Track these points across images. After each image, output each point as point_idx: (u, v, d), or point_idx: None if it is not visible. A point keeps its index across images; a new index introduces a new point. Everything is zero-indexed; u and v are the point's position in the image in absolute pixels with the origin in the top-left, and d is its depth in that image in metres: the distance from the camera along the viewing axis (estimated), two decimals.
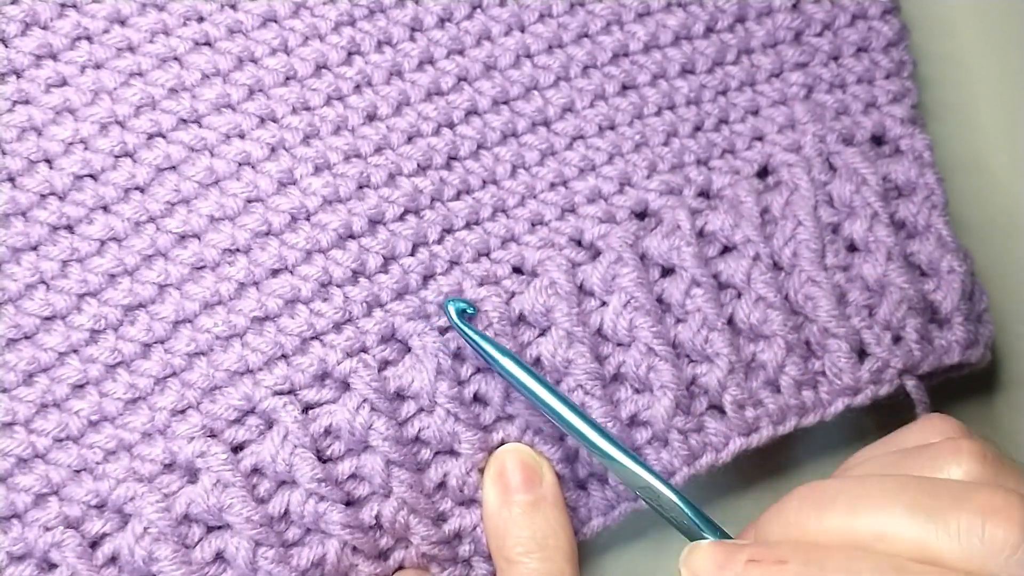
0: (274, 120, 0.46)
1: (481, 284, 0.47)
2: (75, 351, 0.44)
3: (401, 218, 0.46)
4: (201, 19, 0.46)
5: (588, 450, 0.43)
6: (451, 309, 0.44)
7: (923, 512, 0.37)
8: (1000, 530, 0.36)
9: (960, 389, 0.54)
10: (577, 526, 0.47)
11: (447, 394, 0.45)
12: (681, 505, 0.42)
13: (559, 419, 0.43)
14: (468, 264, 0.47)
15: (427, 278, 0.46)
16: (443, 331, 0.46)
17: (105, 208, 0.44)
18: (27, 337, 0.43)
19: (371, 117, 0.47)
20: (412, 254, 0.46)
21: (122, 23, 0.45)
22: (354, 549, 0.44)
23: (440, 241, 0.47)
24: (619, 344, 0.47)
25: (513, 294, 0.47)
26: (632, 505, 0.47)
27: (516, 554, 0.44)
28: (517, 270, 0.47)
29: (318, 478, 0.43)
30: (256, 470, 0.44)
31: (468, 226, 0.47)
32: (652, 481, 0.43)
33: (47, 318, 0.43)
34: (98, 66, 0.45)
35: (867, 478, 0.41)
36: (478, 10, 0.48)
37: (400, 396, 0.45)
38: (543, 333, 0.46)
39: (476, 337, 0.44)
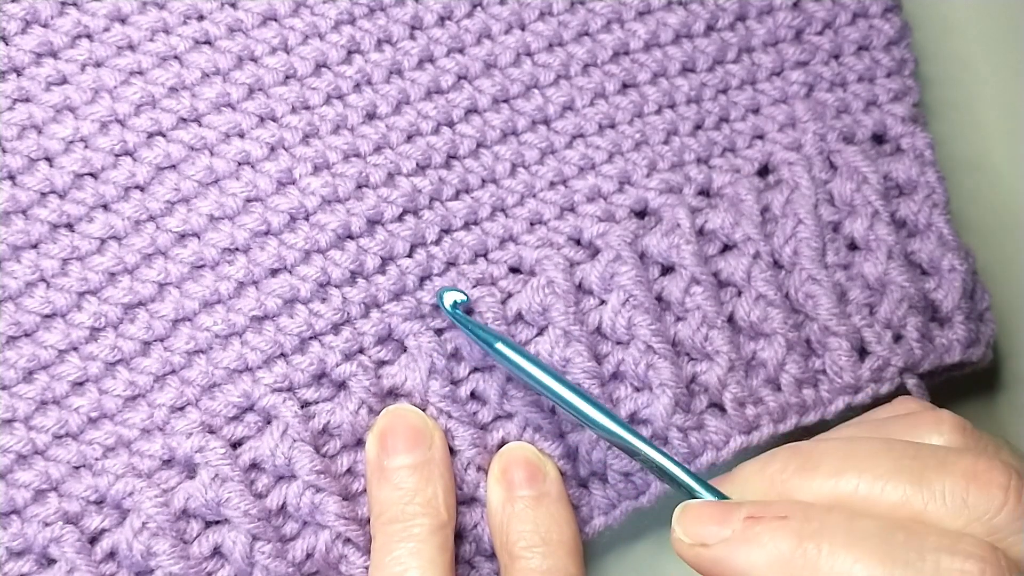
0: (274, 119, 0.46)
1: (477, 285, 0.47)
2: (75, 348, 0.44)
3: (399, 219, 0.46)
4: (201, 17, 0.46)
5: (585, 425, 0.43)
6: (444, 298, 0.45)
7: (908, 474, 0.37)
8: (983, 494, 0.36)
9: (962, 388, 0.54)
10: (579, 525, 0.47)
11: (438, 392, 0.45)
12: (674, 470, 0.41)
13: (554, 396, 0.43)
14: (465, 266, 0.47)
15: (424, 279, 0.46)
16: (439, 332, 0.46)
17: (105, 206, 0.44)
18: (27, 334, 0.44)
19: (371, 116, 0.47)
20: (410, 255, 0.46)
21: (122, 21, 0.45)
22: (346, 540, 0.44)
23: (438, 242, 0.47)
24: (618, 342, 0.47)
25: (510, 294, 0.47)
26: (634, 504, 0.47)
27: (519, 549, 0.44)
28: (515, 270, 0.47)
29: (317, 470, 0.43)
30: (254, 465, 0.44)
31: (466, 226, 0.47)
32: (646, 448, 0.41)
33: (47, 316, 0.44)
34: (98, 64, 0.45)
35: (852, 440, 0.41)
36: (478, 8, 0.48)
37: (393, 395, 0.45)
38: (541, 332, 0.46)
39: (465, 322, 0.44)
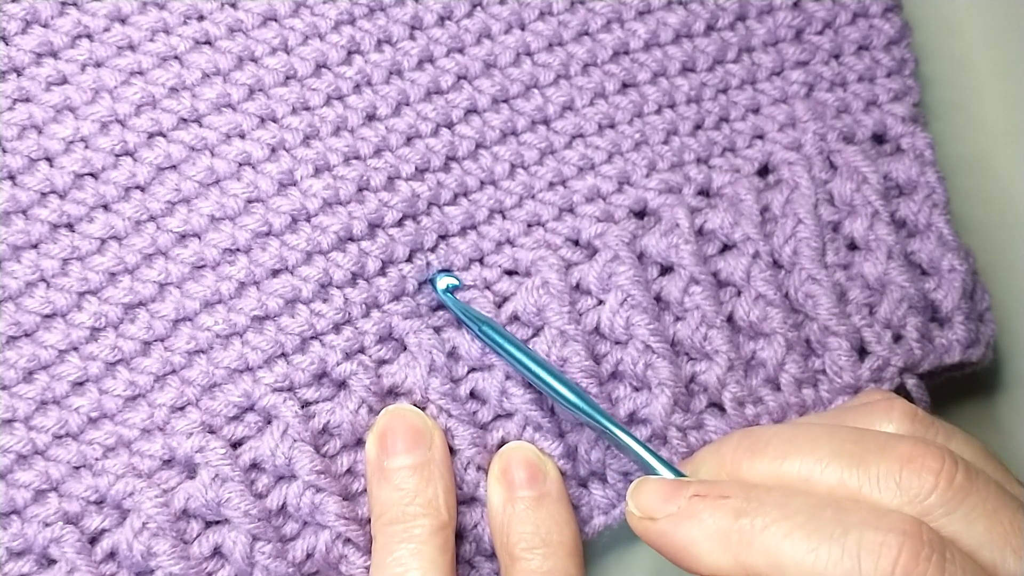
0: (274, 120, 0.46)
1: (472, 288, 0.47)
2: (75, 348, 0.44)
3: (399, 223, 0.46)
4: (201, 18, 0.46)
5: (566, 407, 0.44)
6: (438, 281, 0.46)
7: (847, 457, 0.40)
8: (915, 477, 0.39)
9: (962, 388, 0.54)
10: (579, 525, 0.47)
11: (439, 390, 0.45)
12: (637, 448, 0.43)
13: (537, 379, 0.44)
14: (460, 272, 0.47)
15: (423, 283, 0.47)
16: (438, 330, 0.46)
17: (106, 207, 0.44)
18: (27, 334, 0.44)
19: (370, 117, 0.47)
20: (409, 260, 0.46)
21: (123, 21, 0.45)
22: (346, 540, 0.44)
23: (434, 249, 0.47)
24: (617, 342, 0.47)
25: (506, 298, 0.47)
26: None
27: (519, 550, 0.44)
28: (511, 272, 0.47)
29: (317, 470, 0.43)
30: (255, 465, 0.44)
31: (463, 232, 0.47)
32: (613, 428, 0.44)
33: (47, 316, 0.44)
34: (99, 64, 0.45)
35: (799, 424, 0.45)
36: (478, 8, 0.48)
37: (393, 394, 0.45)
38: (537, 333, 0.47)
39: (455, 304, 0.46)
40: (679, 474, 0.43)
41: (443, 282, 0.46)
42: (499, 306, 0.47)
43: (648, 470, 0.43)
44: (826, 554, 0.37)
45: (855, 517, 0.38)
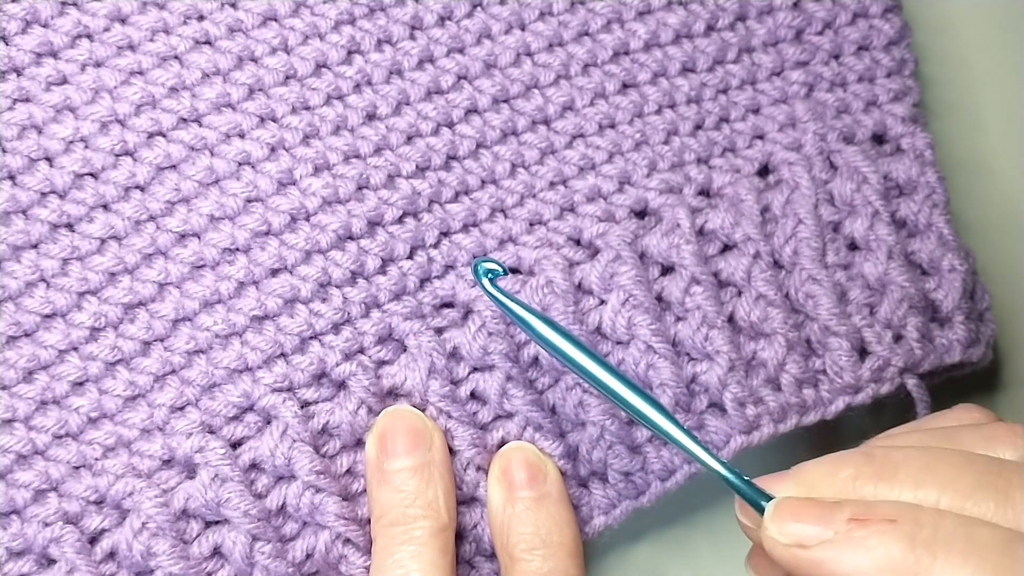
0: (274, 120, 0.46)
1: (474, 286, 0.47)
2: (75, 348, 0.44)
3: (399, 220, 0.46)
4: (201, 17, 0.46)
5: (620, 407, 0.41)
6: (479, 269, 0.43)
7: (993, 491, 0.35)
8: None
9: (962, 388, 0.54)
10: (579, 525, 0.47)
11: (438, 392, 0.45)
12: (726, 475, 0.39)
13: (590, 377, 0.41)
14: (463, 268, 0.47)
15: (423, 281, 0.46)
16: (439, 331, 0.46)
17: (105, 207, 0.44)
18: (27, 334, 0.44)
19: (371, 117, 0.47)
20: (410, 257, 0.46)
21: (122, 21, 0.45)
22: (346, 541, 0.44)
23: (436, 245, 0.47)
24: (618, 342, 0.47)
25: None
26: (634, 504, 0.47)
27: (519, 551, 0.44)
28: (514, 270, 0.47)
29: (316, 470, 0.43)
30: (254, 465, 0.44)
31: (465, 228, 0.47)
32: (688, 442, 0.40)
33: (47, 316, 0.44)
34: (99, 64, 0.45)
35: (931, 450, 0.38)
36: (478, 8, 0.48)
37: (393, 395, 0.45)
38: None
39: (503, 298, 0.43)
40: (768, 497, 0.38)
41: (486, 270, 0.43)
42: None
43: (729, 485, 0.38)
44: None
45: None
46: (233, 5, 0.46)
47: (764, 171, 0.50)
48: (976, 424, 0.41)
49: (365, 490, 0.45)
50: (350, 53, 0.47)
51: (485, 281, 0.43)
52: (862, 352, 0.48)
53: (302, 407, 0.44)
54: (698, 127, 0.50)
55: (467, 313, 0.47)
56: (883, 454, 0.38)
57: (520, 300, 0.43)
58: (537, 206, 0.48)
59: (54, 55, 0.45)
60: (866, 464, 0.37)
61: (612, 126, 0.49)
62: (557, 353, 0.42)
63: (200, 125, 0.45)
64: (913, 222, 0.50)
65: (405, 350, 0.46)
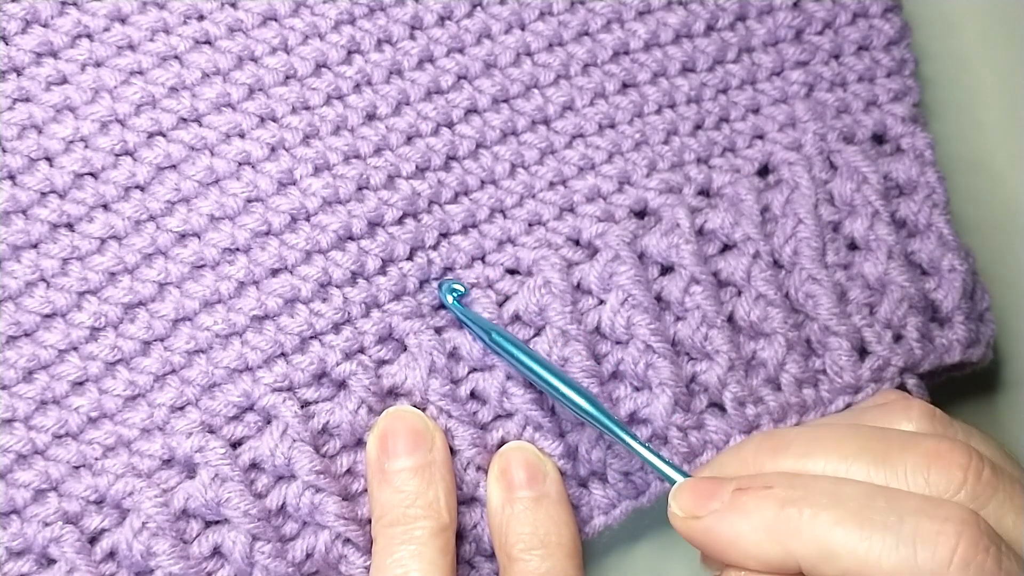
0: (274, 120, 0.46)
1: (474, 287, 0.47)
2: (75, 348, 0.44)
3: (399, 221, 0.46)
4: (201, 17, 0.46)
5: (580, 417, 0.44)
6: (444, 292, 0.46)
7: (872, 455, 0.40)
8: (944, 473, 0.38)
9: (961, 388, 0.54)
10: (579, 525, 0.47)
11: (439, 391, 0.45)
12: (644, 452, 0.43)
13: (548, 387, 0.44)
14: (462, 270, 0.47)
15: (424, 282, 0.46)
16: (439, 330, 0.46)
17: (105, 206, 0.44)
18: (27, 334, 0.44)
19: (371, 117, 0.47)
20: (410, 258, 0.46)
21: (122, 21, 0.45)
22: (346, 541, 0.44)
23: (436, 247, 0.47)
24: (617, 342, 0.47)
25: (507, 296, 0.47)
26: (634, 504, 0.47)
27: (517, 551, 0.44)
28: (513, 271, 0.47)
29: (316, 470, 0.43)
30: (254, 465, 0.44)
31: (464, 230, 0.47)
32: (634, 444, 0.43)
33: (47, 315, 0.44)
34: (99, 64, 0.45)
35: (822, 425, 0.45)
36: (478, 8, 0.48)
37: (393, 394, 0.45)
38: (539, 332, 0.47)
39: (465, 313, 0.45)
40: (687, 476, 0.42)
41: (449, 296, 0.46)
42: (501, 305, 0.47)
43: (662, 477, 0.43)
44: (880, 542, 0.36)
45: (910, 505, 0.37)
46: (233, 5, 0.46)
47: (764, 171, 0.50)
48: (882, 403, 0.45)
49: (365, 490, 0.45)
50: (350, 53, 0.47)
51: (449, 298, 0.46)
52: (862, 352, 0.48)
53: (302, 407, 0.44)
54: (698, 127, 0.50)
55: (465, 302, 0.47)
56: (779, 432, 0.44)
57: (481, 317, 0.46)
58: (537, 206, 0.48)
59: (54, 55, 0.44)
60: (764, 440, 0.43)
61: (612, 126, 0.49)
62: (519, 365, 0.44)
63: (200, 125, 0.45)
64: (913, 222, 0.50)
65: (405, 350, 0.46)
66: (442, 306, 0.47)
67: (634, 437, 0.43)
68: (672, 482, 0.42)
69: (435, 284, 0.46)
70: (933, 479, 0.38)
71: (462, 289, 0.46)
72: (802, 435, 0.42)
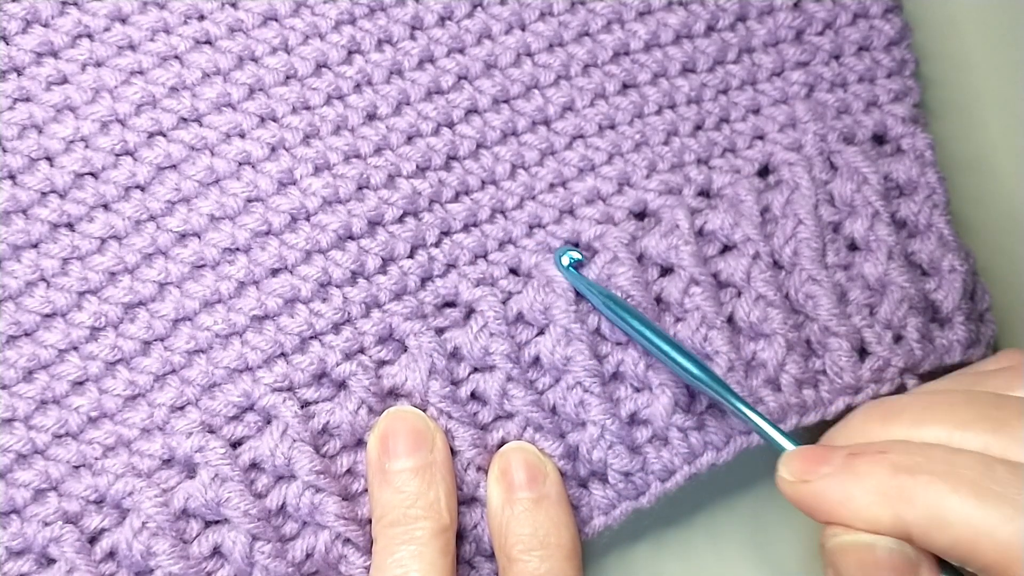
0: (274, 119, 0.46)
1: (478, 285, 0.47)
2: (75, 348, 0.44)
3: (400, 220, 0.46)
4: (202, 17, 0.46)
5: (696, 387, 0.44)
6: (562, 259, 0.46)
7: (990, 423, 0.38)
8: None
9: None
10: (579, 525, 0.47)
11: (439, 393, 0.45)
12: (765, 428, 0.43)
13: (664, 356, 0.44)
14: (465, 267, 0.47)
15: (425, 280, 0.46)
16: (440, 331, 0.46)
17: (106, 206, 0.44)
18: (27, 334, 0.44)
19: (371, 116, 0.47)
20: (411, 256, 0.46)
21: (123, 21, 0.45)
22: (346, 541, 0.44)
23: (438, 244, 0.47)
24: (618, 343, 0.47)
25: (511, 294, 0.47)
26: (634, 504, 0.47)
27: (517, 552, 0.44)
28: (514, 271, 0.47)
29: (316, 470, 0.43)
30: (254, 465, 0.44)
31: (466, 228, 0.47)
32: (750, 413, 0.43)
33: (47, 315, 0.44)
34: (99, 64, 0.45)
35: (935, 392, 0.43)
36: (479, 8, 0.48)
37: (394, 395, 0.45)
38: (541, 332, 0.47)
39: (580, 280, 0.46)
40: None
41: (565, 258, 0.46)
42: (504, 302, 0.47)
43: (773, 445, 0.42)
44: (996, 512, 0.36)
45: None
46: (233, 5, 0.46)
47: (764, 172, 0.50)
48: (1007, 367, 0.44)
49: (365, 490, 0.45)
50: (350, 53, 0.47)
51: (563, 261, 0.46)
52: (862, 352, 0.48)
53: (302, 407, 0.45)
54: (698, 128, 0.50)
55: (469, 313, 0.47)
56: (889, 400, 0.43)
57: (597, 285, 0.46)
58: (536, 208, 0.48)
59: (54, 55, 0.45)
60: (874, 409, 0.42)
61: (612, 127, 0.49)
62: (635, 334, 0.45)
63: (200, 125, 0.45)
64: (913, 222, 0.50)
65: (406, 350, 0.46)
66: (445, 304, 0.47)
67: (749, 406, 0.43)
68: (783, 451, 0.42)
69: (438, 288, 0.46)
70: None
71: (579, 256, 0.46)
72: (914, 402, 0.41)
